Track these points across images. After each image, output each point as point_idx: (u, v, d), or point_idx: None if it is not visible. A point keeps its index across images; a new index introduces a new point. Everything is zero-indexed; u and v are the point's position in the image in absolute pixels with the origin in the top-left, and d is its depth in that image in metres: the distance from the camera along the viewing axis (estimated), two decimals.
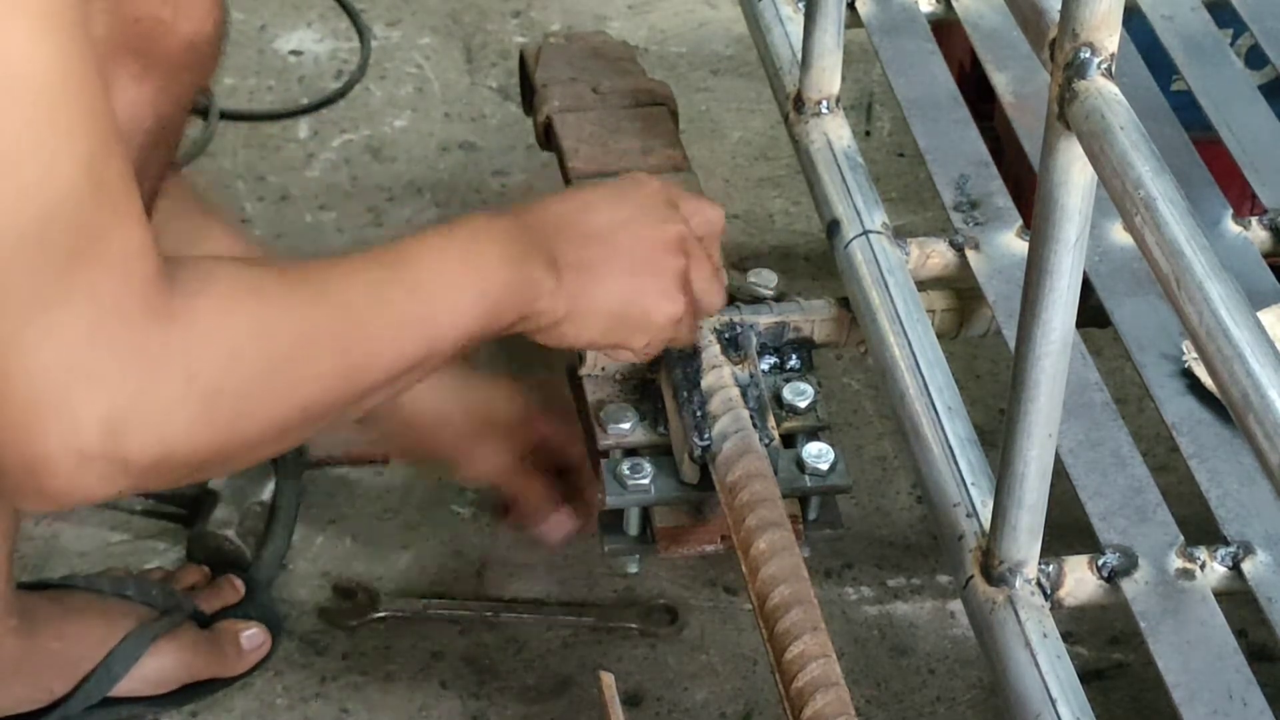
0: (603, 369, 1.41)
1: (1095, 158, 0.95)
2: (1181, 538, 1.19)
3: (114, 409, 0.99)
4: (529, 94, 1.71)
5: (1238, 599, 1.18)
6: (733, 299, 1.42)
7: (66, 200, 0.96)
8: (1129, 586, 1.16)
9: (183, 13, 1.19)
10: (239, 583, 1.59)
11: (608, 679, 1.23)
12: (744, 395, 1.36)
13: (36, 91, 0.95)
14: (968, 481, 1.21)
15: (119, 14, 1.16)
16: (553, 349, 1.32)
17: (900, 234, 1.42)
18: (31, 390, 0.98)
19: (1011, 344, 1.25)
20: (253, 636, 1.55)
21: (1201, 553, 1.18)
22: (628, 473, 1.36)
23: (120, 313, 0.99)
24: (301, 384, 1.09)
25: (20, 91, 0.95)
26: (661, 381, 1.39)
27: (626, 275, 1.28)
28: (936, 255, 1.41)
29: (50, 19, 0.95)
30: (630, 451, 1.39)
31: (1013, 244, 1.41)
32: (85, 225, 0.97)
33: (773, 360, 1.42)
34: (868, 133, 2.13)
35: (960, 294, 1.43)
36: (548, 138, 1.65)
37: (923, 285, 1.40)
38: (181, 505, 1.66)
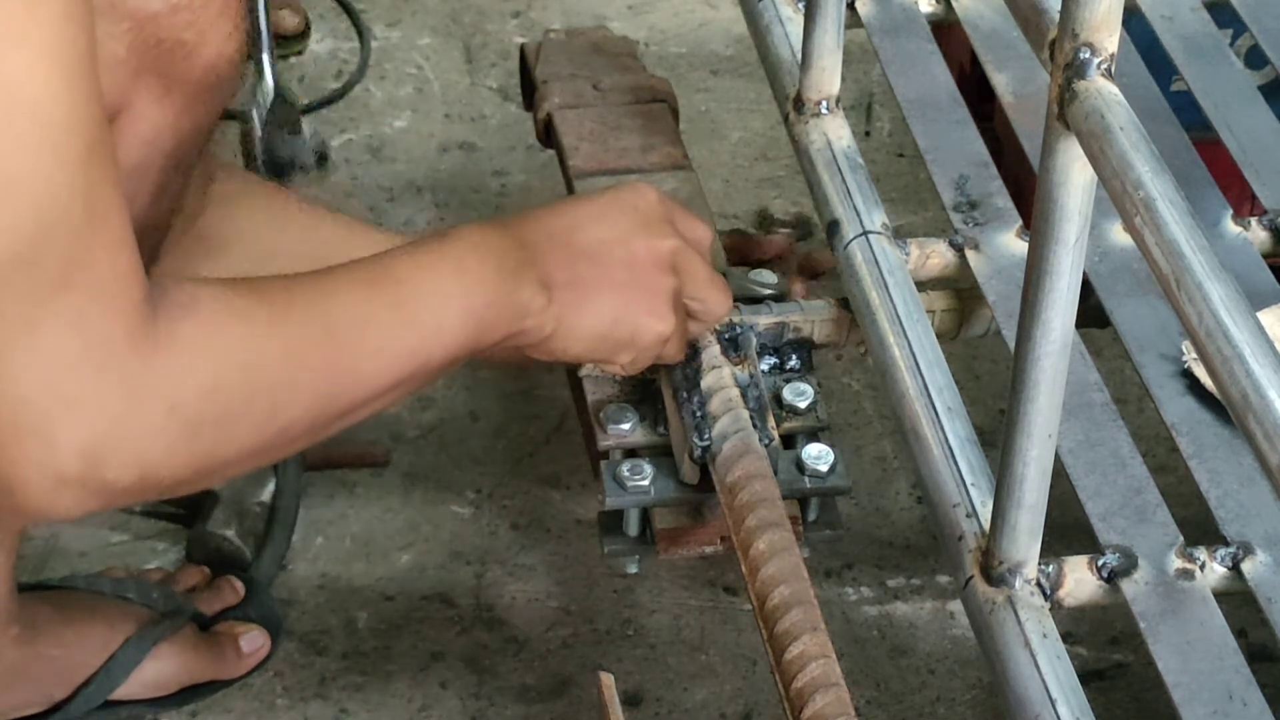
0: (602, 369, 1.41)
1: (1095, 158, 0.95)
2: (1181, 538, 1.19)
3: (93, 435, 0.99)
4: (529, 90, 1.70)
5: (1238, 599, 1.18)
6: (734, 299, 1.42)
7: (57, 226, 0.97)
8: (1129, 587, 1.16)
9: (205, 36, 1.19)
10: (239, 584, 1.59)
11: (607, 679, 1.23)
12: (744, 395, 1.36)
13: (32, 118, 0.95)
14: (968, 481, 1.21)
15: (141, 36, 1.16)
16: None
17: (900, 234, 1.42)
18: (12, 413, 0.98)
19: (1011, 344, 1.25)
20: (253, 639, 1.55)
21: (1201, 553, 1.18)
22: (627, 474, 1.36)
23: (104, 340, 0.99)
24: (283, 408, 1.09)
25: (16, 118, 0.95)
26: (661, 382, 1.39)
27: (616, 294, 1.27)
28: (936, 255, 1.41)
29: (52, 48, 0.95)
30: (630, 452, 1.39)
31: (1013, 244, 1.41)
32: (74, 252, 0.97)
33: (773, 361, 1.42)
34: (868, 133, 2.13)
35: (960, 294, 1.43)
36: (548, 135, 1.65)
37: (923, 285, 1.40)
38: (181, 505, 1.66)
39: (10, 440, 0.98)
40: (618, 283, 1.27)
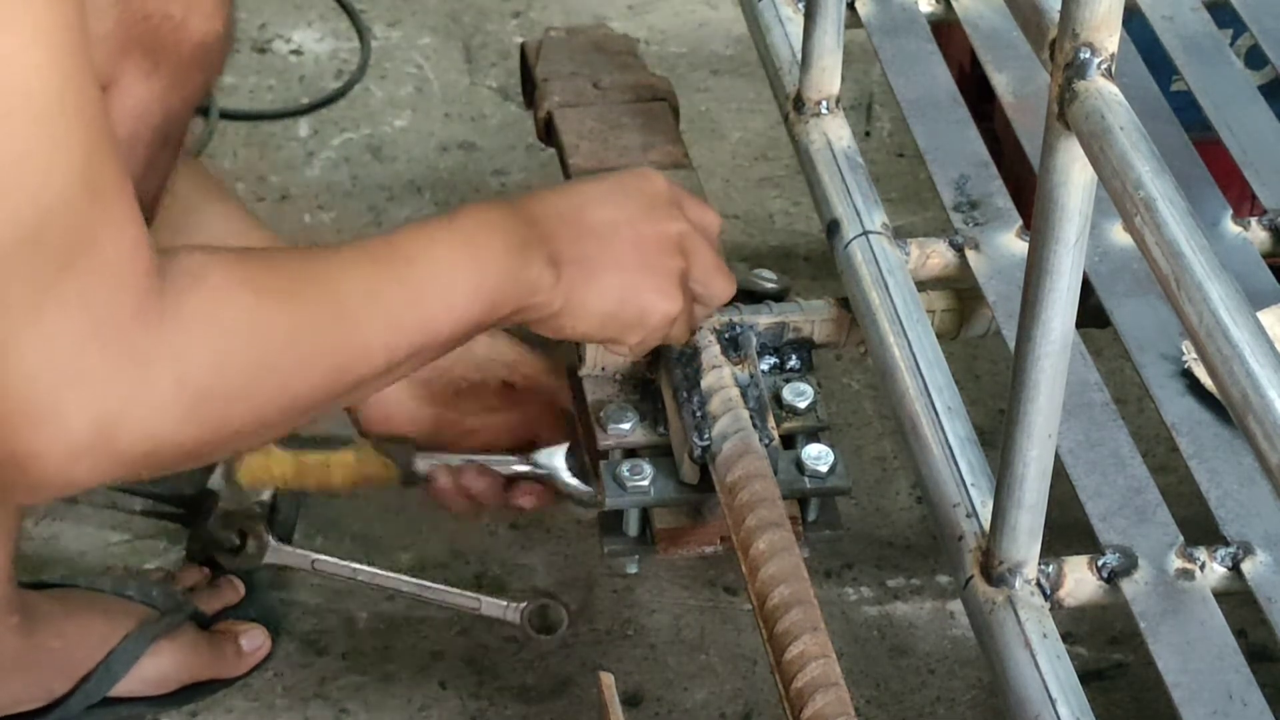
0: (603, 369, 1.41)
1: (1095, 158, 0.95)
2: (1181, 538, 1.19)
3: (104, 411, 1.00)
4: (530, 88, 1.70)
5: (1238, 599, 1.18)
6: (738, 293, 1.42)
7: (60, 207, 0.97)
8: (1129, 587, 1.16)
9: (193, 10, 1.19)
10: (239, 583, 1.59)
11: (607, 679, 1.23)
12: (744, 395, 1.36)
13: (29, 101, 0.96)
14: (968, 481, 1.21)
15: (128, 9, 1.16)
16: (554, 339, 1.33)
17: (900, 234, 1.42)
18: (23, 392, 0.99)
19: (1011, 344, 1.25)
20: (253, 638, 1.55)
21: (1201, 553, 1.18)
22: (627, 474, 1.36)
23: (111, 317, 1.00)
24: (292, 380, 1.10)
25: (13, 101, 0.95)
26: (661, 382, 1.39)
27: (624, 273, 1.28)
28: (936, 255, 1.41)
29: (43, 31, 0.96)
30: (630, 452, 1.39)
31: (1013, 244, 1.41)
32: (78, 231, 0.98)
33: (773, 360, 1.42)
34: (868, 133, 2.12)
35: (960, 294, 1.43)
36: (548, 133, 1.65)
37: (923, 285, 1.40)
38: (181, 505, 1.66)
39: (23, 420, 0.99)
40: (625, 263, 1.28)
